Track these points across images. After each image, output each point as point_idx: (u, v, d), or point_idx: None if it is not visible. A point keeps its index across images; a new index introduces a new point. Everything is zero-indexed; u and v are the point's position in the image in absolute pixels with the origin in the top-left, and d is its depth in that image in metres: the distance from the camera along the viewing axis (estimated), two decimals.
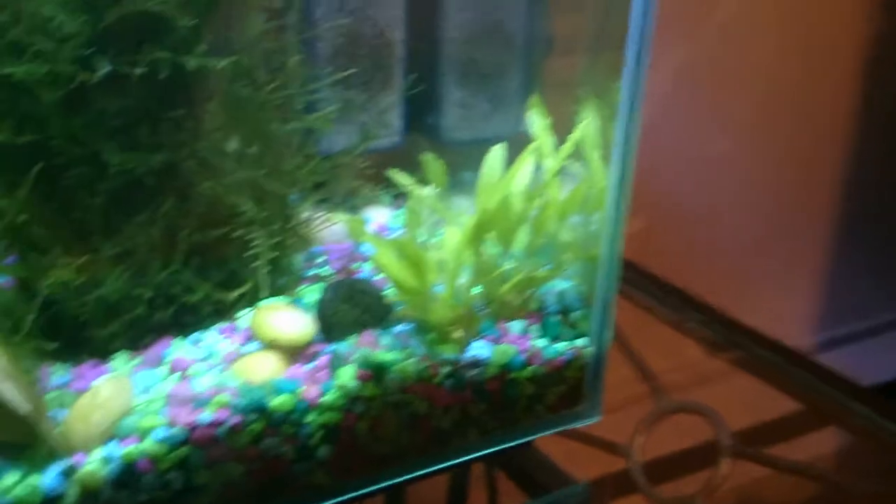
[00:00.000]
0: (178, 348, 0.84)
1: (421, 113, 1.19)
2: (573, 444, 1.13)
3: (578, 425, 0.98)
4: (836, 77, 2.22)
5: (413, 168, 0.98)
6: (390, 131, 1.15)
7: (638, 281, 1.37)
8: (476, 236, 0.87)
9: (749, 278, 2.33)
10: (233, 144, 0.83)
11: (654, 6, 0.86)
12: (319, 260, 1.01)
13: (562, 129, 1.02)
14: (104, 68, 0.74)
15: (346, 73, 0.99)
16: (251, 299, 0.87)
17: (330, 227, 1.02)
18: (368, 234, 0.84)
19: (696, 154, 2.11)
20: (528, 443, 1.01)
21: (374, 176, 1.05)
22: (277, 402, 0.79)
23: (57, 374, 0.81)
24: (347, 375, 0.82)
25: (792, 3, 2.08)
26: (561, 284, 0.99)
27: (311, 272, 0.96)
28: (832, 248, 2.50)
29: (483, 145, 1.20)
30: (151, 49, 0.77)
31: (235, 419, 0.77)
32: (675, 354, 1.33)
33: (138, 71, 0.77)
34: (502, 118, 1.21)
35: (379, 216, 1.16)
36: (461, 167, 1.21)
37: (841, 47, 2.20)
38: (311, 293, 0.92)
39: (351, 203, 1.10)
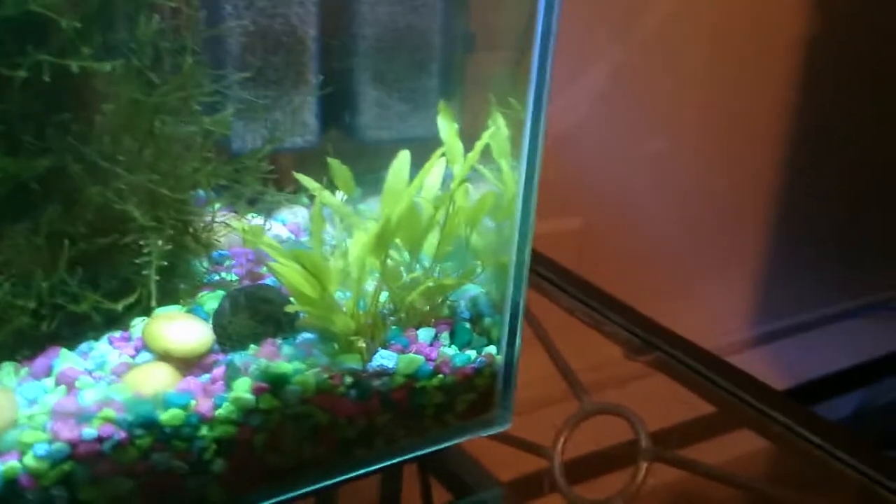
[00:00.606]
0: (67, 359, 0.80)
1: (338, 112, 1.16)
2: (496, 444, 1.12)
3: (489, 433, 0.97)
4: (770, 78, 2.24)
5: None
6: (306, 130, 1.12)
7: (562, 282, 1.36)
8: (381, 243, 0.85)
9: (686, 274, 2.35)
10: (124, 148, 0.80)
11: (558, 5, 0.85)
12: (225, 265, 0.98)
13: (482, 131, 1.01)
14: None
15: (244, 74, 0.95)
16: (146, 308, 0.84)
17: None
18: (265, 241, 0.82)
19: (633, 153, 2.12)
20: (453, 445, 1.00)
21: (289, 176, 1.02)
22: (167, 416, 0.76)
23: None
24: (243, 388, 0.80)
25: (727, 3, 2.09)
26: (473, 291, 0.98)
27: (215, 278, 0.93)
28: (766, 245, 2.54)
29: (402, 145, 1.19)
30: (34, 51, 0.73)
31: (122, 434, 0.75)
32: (596, 356, 1.33)
33: (20, 74, 0.73)
34: (421, 118, 1.19)
35: (296, 218, 1.13)
36: (379, 167, 1.19)
37: (775, 48, 2.22)
38: (212, 300, 0.89)
39: (265, 205, 1.07)
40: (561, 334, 1.34)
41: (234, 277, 0.94)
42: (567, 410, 1.27)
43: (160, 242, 0.80)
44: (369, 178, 1.23)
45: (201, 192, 0.94)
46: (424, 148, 1.18)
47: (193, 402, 0.78)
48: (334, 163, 0.92)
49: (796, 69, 2.27)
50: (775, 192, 2.46)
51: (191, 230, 0.88)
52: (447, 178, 0.95)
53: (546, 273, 1.37)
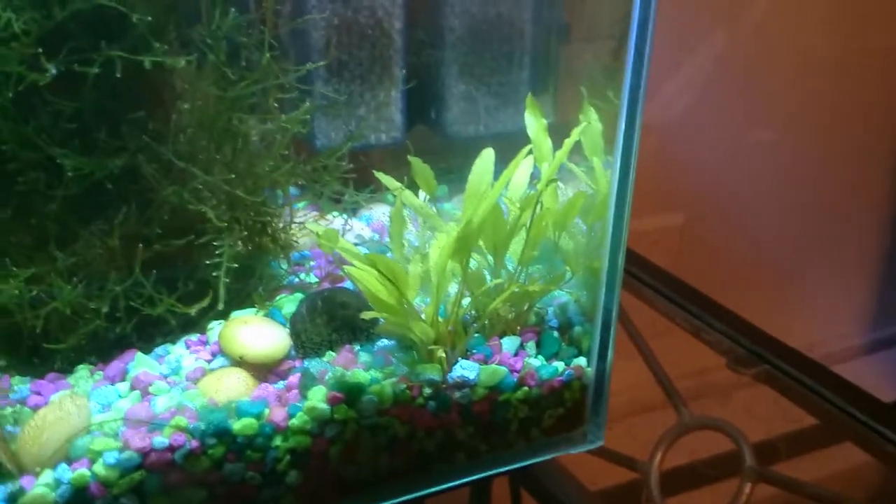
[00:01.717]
0: (142, 363, 0.79)
1: (424, 107, 1.12)
2: (589, 455, 1.06)
3: (578, 451, 0.91)
4: (887, 65, 2.09)
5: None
6: (391, 126, 1.08)
7: (660, 285, 1.29)
8: (463, 247, 0.80)
9: (794, 274, 2.23)
10: (200, 147, 0.77)
11: None
12: (305, 266, 0.95)
13: (576, 122, 0.95)
14: (52, 69, 0.69)
15: (324, 66, 0.92)
16: (223, 310, 0.81)
17: (326, 225, 0.96)
18: (340, 245, 0.78)
19: (737, 145, 2.01)
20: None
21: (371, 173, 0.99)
22: (240, 425, 0.73)
23: (17, 388, 0.77)
24: (318, 397, 0.76)
25: None
26: (562, 297, 0.92)
27: (294, 280, 0.91)
28: (883, 244, 2.38)
29: (491, 141, 1.14)
30: (107, 47, 0.71)
31: (194, 443, 0.72)
32: (696, 365, 1.25)
33: (93, 71, 0.71)
34: (511, 112, 1.13)
35: (380, 215, 1.10)
36: (467, 164, 1.15)
37: (890, 34, 2.07)
38: (290, 303, 0.86)
39: (350, 203, 1.04)
40: (658, 340, 1.27)
41: (314, 280, 0.91)
42: (664, 421, 1.20)
43: (236, 244, 0.77)
44: (456, 175, 1.19)
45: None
46: (514, 143, 1.13)
47: (267, 412, 0.75)
48: (416, 161, 0.87)
49: None
50: (893, 186, 2.30)
51: (269, 231, 0.85)
52: (534, 176, 0.90)
53: (643, 275, 1.30)
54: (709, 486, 1.17)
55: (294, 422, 0.75)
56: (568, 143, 0.80)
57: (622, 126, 0.80)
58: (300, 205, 0.93)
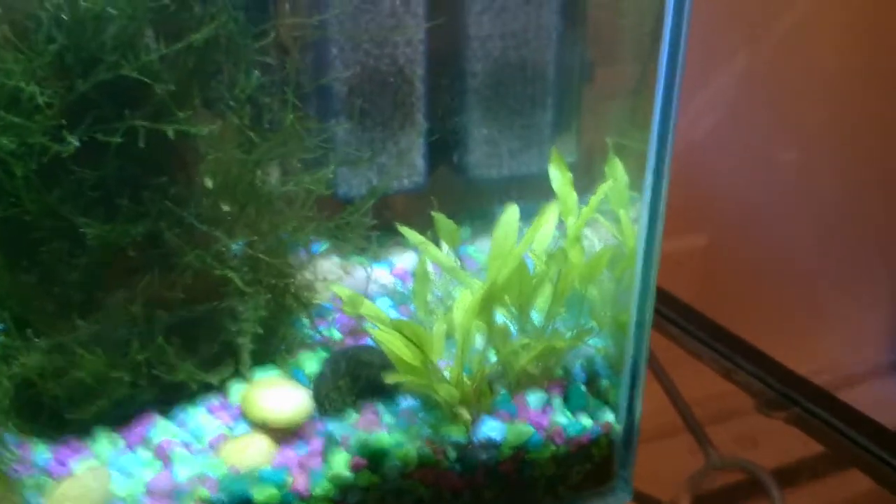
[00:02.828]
0: (163, 430, 0.78)
1: (446, 151, 1.11)
2: None
3: None
4: None
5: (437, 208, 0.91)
6: (413, 171, 1.07)
7: (687, 324, 1.27)
8: (487, 306, 0.79)
9: (821, 294, 2.20)
10: (223, 210, 0.77)
11: (685, 43, 0.76)
12: (329, 319, 0.94)
13: (601, 166, 0.94)
14: (74, 141, 0.68)
15: (347, 123, 0.91)
16: (245, 374, 0.80)
17: (348, 277, 0.95)
18: (367, 308, 0.77)
19: (764, 164, 1.99)
20: None
21: (396, 216, 0.98)
22: (262, 495, 0.73)
23: (38, 455, 0.77)
24: (341, 464, 0.75)
25: (864, 2, 1.93)
26: (589, 350, 0.91)
27: (317, 337, 0.90)
28: None
29: (512, 183, 1.13)
30: (130, 115, 0.71)
31: None
32: (725, 406, 1.23)
33: (116, 140, 0.71)
34: (534, 154, 1.12)
35: (403, 261, 1.09)
36: (489, 203, 1.14)
37: None
38: (312, 361, 0.85)
39: (371, 250, 1.03)
40: (685, 380, 1.25)
41: (338, 336, 0.90)
42: (691, 464, 1.18)
43: (259, 307, 0.76)
44: (479, 215, 1.18)
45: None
46: (537, 185, 1.12)
47: (290, 480, 0.74)
48: (440, 217, 0.86)
49: None
50: None
51: (291, 290, 0.84)
52: (560, 228, 0.89)
53: (670, 313, 1.28)
54: None
55: (317, 490, 0.74)
56: (594, 200, 0.79)
57: (649, 178, 0.79)
58: (322, 248, 0.92)
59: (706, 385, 1.25)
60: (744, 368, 1.18)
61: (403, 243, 1.05)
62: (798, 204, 2.05)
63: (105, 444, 0.77)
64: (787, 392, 1.12)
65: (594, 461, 0.87)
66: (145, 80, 0.70)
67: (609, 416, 0.87)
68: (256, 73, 0.77)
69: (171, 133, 0.71)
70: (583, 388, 0.88)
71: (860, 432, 1.06)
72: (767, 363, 1.17)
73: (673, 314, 1.28)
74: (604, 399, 0.88)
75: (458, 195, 1.14)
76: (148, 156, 0.74)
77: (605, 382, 0.89)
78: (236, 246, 0.79)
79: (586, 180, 0.92)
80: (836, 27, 1.93)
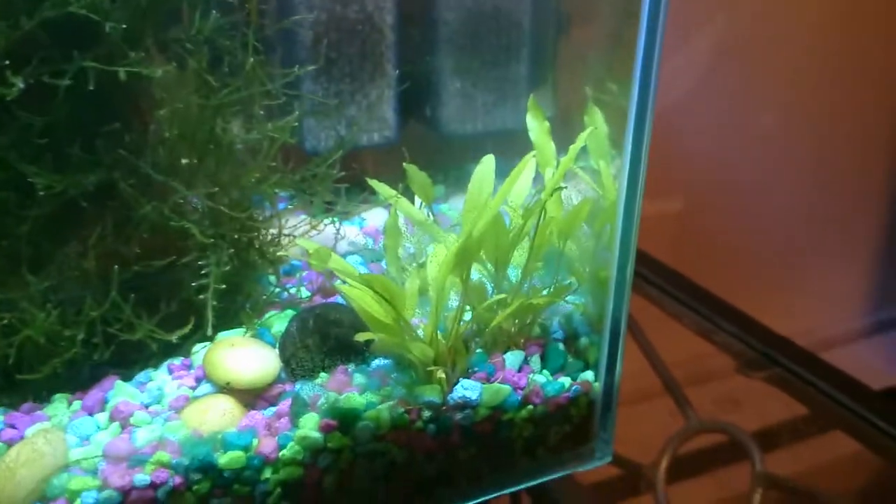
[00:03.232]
0: (122, 392, 0.74)
1: (418, 104, 1.07)
2: None
3: (586, 468, 0.87)
4: (887, 45, 2.04)
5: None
6: (384, 125, 1.03)
7: (667, 285, 1.24)
8: (462, 261, 0.75)
9: (796, 258, 2.19)
10: (181, 159, 0.72)
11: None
12: (297, 276, 0.90)
13: (579, 119, 0.90)
14: (19, 83, 0.63)
15: (312, 68, 0.86)
16: (207, 332, 0.76)
17: (317, 234, 0.91)
18: (335, 263, 0.73)
19: (737, 130, 1.97)
20: None
21: (367, 173, 0.93)
22: (227, 458, 0.69)
23: None
24: (310, 425, 0.72)
25: None
26: (567, 307, 0.88)
27: (284, 295, 0.86)
28: (883, 229, 2.35)
29: (488, 139, 1.08)
30: (79, 57, 0.66)
31: (177, 479, 0.68)
32: (705, 368, 1.21)
33: (64, 83, 0.66)
34: (510, 108, 1.08)
35: (373, 219, 1.05)
36: (463, 160, 1.10)
37: (892, 13, 2.02)
38: (279, 321, 0.81)
39: (339, 204, 0.99)
40: (664, 342, 1.22)
41: (306, 294, 0.86)
42: (670, 426, 1.16)
43: (221, 263, 0.72)
44: (453, 173, 1.14)
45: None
46: (513, 141, 1.08)
47: (255, 442, 0.70)
48: (411, 169, 0.82)
49: None
50: (891, 170, 2.26)
51: (256, 245, 0.80)
52: (537, 181, 0.85)
53: (649, 274, 1.25)
54: (719, 496, 1.13)
55: (285, 452, 0.71)
56: (573, 149, 0.75)
57: (631, 128, 0.75)
58: (289, 204, 0.88)
59: (686, 346, 1.22)
60: (724, 329, 1.15)
61: (374, 201, 1.01)
62: (774, 168, 2.03)
63: (61, 408, 0.73)
64: (768, 352, 1.10)
65: (573, 422, 0.84)
66: (95, 17, 0.65)
67: (588, 376, 0.84)
68: (215, 13, 0.72)
69: (122, 75, 0.66)
70: (561, 346, 0.85)
71: (843, 393, 1.04)
72: (748, 323, 1.15)
73: (651, 274, 1.25)
74: (583, 358, 0.85)
75: (430, 151, 1.10)
76: (100, 101, 0.70)
77: (584, 341, 0.86)
78: (196, 198, 0.74)
79: (563, 136, 0.89)
80: None
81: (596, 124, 0.81)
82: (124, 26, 0.67)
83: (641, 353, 1.21)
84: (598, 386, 0.84)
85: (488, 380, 0.79)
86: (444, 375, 0.76)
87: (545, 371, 0.83)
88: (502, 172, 0.83)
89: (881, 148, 2.21)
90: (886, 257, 2.37)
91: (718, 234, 1.97)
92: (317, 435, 0.72)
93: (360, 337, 0.72)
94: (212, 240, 0.72)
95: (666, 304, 1.24)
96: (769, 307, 1.31)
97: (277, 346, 0.78)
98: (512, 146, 0.97)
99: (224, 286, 0.73)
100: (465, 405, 0.77)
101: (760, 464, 1.06)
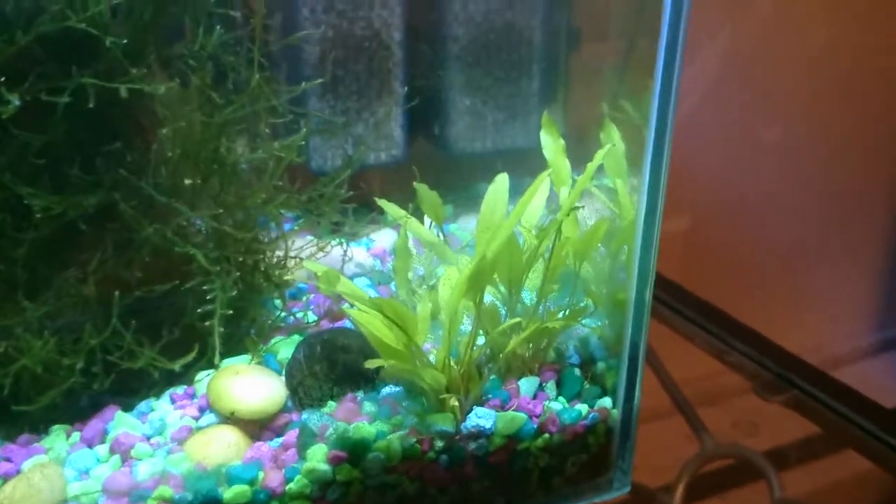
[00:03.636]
0: (122, 423, 0.71)
1: (426, 123, 1.04)
2: None
3: (604, 499, 0.84)
4: (894, 59, 2.02)
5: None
6: (391, 144, 1.01)
7: (679, 304, 1.22)
8: (475, 284, 0.72)
9: (803, 274, 2.17)
10: (184, 180, 0.70)
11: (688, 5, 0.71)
12: (304, 300, 0.87)
13: (593, 136, 0.88)
14: (14, 100, 0.61)
15: (318, 83, 0.84)
16: (211, 359, 0.73)
17: (324, 256, 0.88)
18: (344, 285, 0.70)
19: (743, 145, 1.95)
20: None
21: (375, 192, 0.91)
22: (231, 493, 0.66)
23: None
24: (318, 457, 0.69)
25: None
26: (583, 331, 0.85)
27: (290, 320, 0.83)
28: (891, 244, 2.32)
29: (498, 157, 1.06)
30: (78, 73, 0.64)
31: None
32: (719, 389, 1.17)
33: (63, 100, 0.63)
34: (520, 126, 1.06)
35: (382, 240, 1.02)
36: (473, 179, 1.07)
37: None
38: (286, 347, 0.79)
39: (347, 224, 0.96)
40: (676, 363, 1.19)
41: (312, 318, 0.84)
42: (685, 450, 1.12)
43: (227, 287, 0.69)
44: (462, 192, 1.11)
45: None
46: (523, 160, 1.05)
47: (261, 475, 0.67)
48: (422, 188, 0.80)
49: None
50: None
51: (262, 268, 0.77)
52: (551, 200, 0.82)
53: (660, 293, 1.22)
54: None
55: (292, 486, 0.68)
56: (591, 167, 0.72)
57: (650, 145, 0.73)
58: (295, 225, 0.85)
59: (698, 367, 1.19)
60: (737, 349, 1.12)
61: (382, 221, 0.99)
62: (781, 185, 2.01)
63: (59, 440, 0.70)
64: (782, 373, 1.07)
65: (590, 451, 0.81)
66: (94, 32, 0.63)
67: (606, 402, 0.81)
68: (218, 28, 0.70)
69: (123, 92, 0.64)
70: (577, 371, 0.82)
71: (858, 413, 1.01)
72: (761, 343, 1.12)
73: (662, 294, 1.23)
74: (600, 384, 0.82)
75: (439, 170, 1.08)
76: (100, 119, 0.67)
77: (601, 366, 0.83)
78: (200, 220, 0.72)
79: (575, 154, 0.86)
80: (821, 5, 1.89)
81: (613, 141, 0.78)
82: (125, 41, 0.64)
83: (653, 374, 1.18)
84: (616, 413, 0.81)
85: (503, 407, 0.76)
86: (457, 403, 0.73)
87: (561, 398, 0.80)
88: (513, 192, 0.80)
89: (888, 163, 2.19)
90: (894, 275, 2.34)
91: (726, 251, 1.94)
92: (325, 467, 0.69)
93: (370, 363, 0.69)
94: (216, 264, 0.69)
95: (678, 324, 1.21)
96: (778, 324, 1.28)
97: (284, 373, 0.75)
98: (522, 165, 0.95)
99: (229, 311, 0.70)
100: (479, 434, 0.74)
101: (779, 490, 1.03)
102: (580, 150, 0.86)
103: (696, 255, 1.87)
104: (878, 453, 1.05)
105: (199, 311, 0.70)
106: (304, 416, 0.72)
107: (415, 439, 0.72)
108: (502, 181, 0.75)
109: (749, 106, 1.88)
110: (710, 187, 1.89)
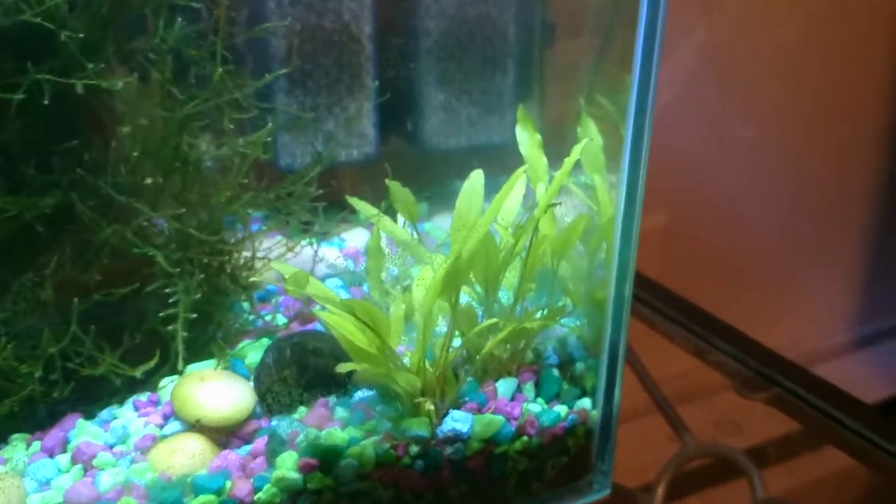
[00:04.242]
0: (84, 431, 0.68)
1: (399, 119, 1.02)
2: None
3: (585, 502, 0.82)
4: (873, 58, 2.02)
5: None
6: (363, 141, 0.98)
7: (658, 302, 1.20)
8: (451, 284, 0.70)
9: (781, 271, 2.17)
10: (145, 178, 0.67)
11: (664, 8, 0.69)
12: (272, 303, 0.85)
13: (570, 132, 0.86)
14: None
15: (277, 74, 0.81)
16: (175, 365, 0.70)
17: (293, 257, 0.86)
18: (313, 288, 0.68)
19: (723, 141, 1.94)
20: None
21: (346, 191, 0.88)
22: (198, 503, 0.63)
23: None
24: (288, 465, 0.66)
25: None
26: (561, 331, 0.83)
27: (258, 322, 0.80)
28: (869, 239, 2.33)
29: (472, 154, 1.04)
30: (34, 69, 0.61)
31: None
32: (700, 388, 1.16)
33: (17, 97, 0.60)
34: (494, 122, 1.03)
35: (354, 240, 1.00)
36: (447, 177, 1.05)
37: (878, 25, 2.01)
38: (254, 351, 0.76)
39: (317, 223, 0.93)
40: (656, 361, 1.18)
41: (282, 321, 0.81)
42: (666, 450, 1.11)
43: (190, 290, 0.67)
44: (436, 189, 1.08)
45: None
46: (499, 156, 1.03)
47: (229, 485, 0.65)
48: (394, 186, 0.77)
49: None
50: (880, 181, 2.24)
51: (228, 270, 0.75)
52: (528, 197, 0.80)
53: (638, 291, 1.21)
54: None
55: (260, 496, 0.65)
56: (568, 161, 0.70)
57: (629, 139, 0.71)
58: (263, 226, 0.83)
59: (679, 365, 1.18)
60: (718, 347, 1.11)
61: (354, 221, 0.96)
62: (757, 182, 2.01)
63: (18, 449, 0.68)
64: (764, 371, 1.06)
65: (570, 453, 0.79)
66: (50, 27, 0.60)
67: (585, 403, 0.79)
68: (180, 20, 0.67)
69: (80, 88, 0.61)
70: (556, 372, 0.80)
71: (838, 409, 1.00)
72: (741, 341, 1.10)
73: (640, 291, 1.21)
74: (579, 385, 0.80)
75: (412, 167, 1.05)
76: (56, 116, 0.64)
77: (580, 366, 0.81)
78: (162, 221, 0.69)
79: (550, 150, 0.84)
80: (793, 2, 1.89)
81: (590, 136, 0.76)
82: (82, 35, 0.61)
83: (633, 373, 1.16)
84: (595, 414, 0.79)
85: (480, 410, 0.74)
86: (432, 407, 0.71)
87: (539, 399, 0.78)
88: (488, 190, 0.78)
89: (865, 161, 2.20)
90: (870, 271, 2.35)
91: (702, 248, 1.94)
92: (295, 475, 0.66)
93: (342, 367, 0.67)
94: (179, 266, 0.66)
95: (657, 322, 1.20)
96: (754, 321, 1.27)
97: (252, 378, 0.72)
98: (498, 162, 0.92)
99: (193, 315, 0.67)
100: (455, 438, 0.72)
101: (761, 489, 1.02)
102: (557, 146, 0.84)
103: (673, 252, 1.86)
104: (860, 450, 1.04)
105: (161, 315, 0.67)
106: (274, 422, 0.70)
107: (389, 445, 0.69)
108: (477, 177, 0.73)
109: (725, 102, 1.88)
110: (688, 185, 1.88)
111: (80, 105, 0.66)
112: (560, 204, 0.74)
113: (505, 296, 0.78)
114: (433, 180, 1.07)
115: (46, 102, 0.61)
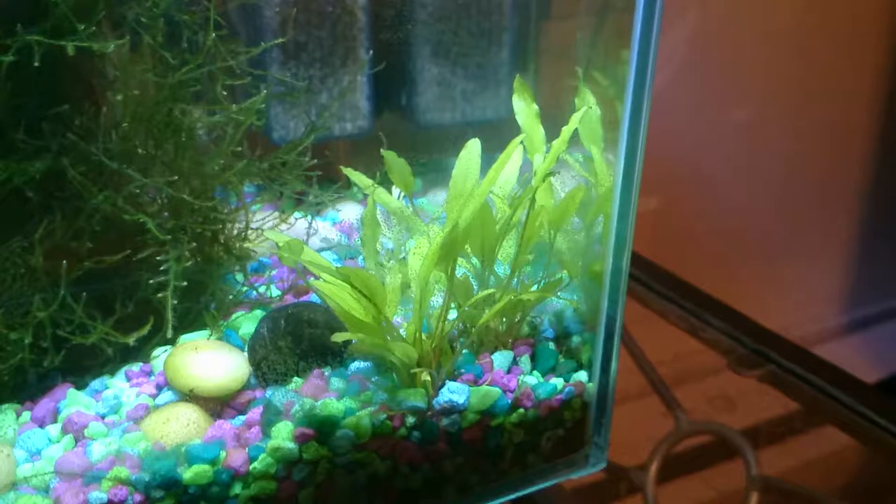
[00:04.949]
0: (75, 401, 0.67)
1: (393, 92, 1.01)
2: None
3: (580, 475, 0.82)
4: (867, 42, 2.02)
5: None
6: (357, 115, 0.97)
7: (652, 280, 1.19)
8: (447, 254, 0.69)
9: (773, 255, 2.17)
10: (137, 144, 0.66)
11: None
12: (266, 275, 0.84)
13: (566, 106, 0.85)
14: None
15: (271, 44, 0.80)
16: (167, 334, 0.69)
17: (287, 229, 0.85)
18: (307, 256, 0.67)
19: (716, 124, 1.94)
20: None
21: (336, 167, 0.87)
22: (191, 473, 0.62)
23: None
24: (283, 434, 0.65)
25: None
26: (557, 304, 0.82)
27: (252, 294, 0.79)
28: (862, 224, 2.33)
29: (468, 129, 1.03)
30: (24, 31, 0.59)
31: (137, 497, 0.61)
32: (693, 365, 1.16)
33: (7, 59, 0.59)
34: (490, 97, 1.03)
35: (349, 212, 0.99)
36: (442, 152, 1.04)
37: (871, 9, 2.00)
38: (248, 322, 0.75)
39: (311, 193, 0.92)
40: (650, 340, 1.17)
41: (276, 293, 0.80)
42: (660, 428, 1.11)
43: (182, 258, 0.66)
44: (431, 165, 1.07)
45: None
46: (494, 131, 1.02)
47: (223, 455, 0.64)
48: (390, 156, 0.76)
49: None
50: (873, 166, 2.24)
51: (221, 240, 0.74)
52: (524, 168, 0.80)
53: (633, 270, 1.20)
54: (713, 499, 1.08)
55: (256, 465, 0.64)
56: (566, 131, 0.69)
57: (628, 110, 0.70)
58: (256, 206, 0.82)
59: (674, 343, 1.18)
60: (712, 325, 1.10)
61: (348, 195, 0.95)
62: (750, 166, 2.00)
63: (8, 419, 0.67)
64: (759, 349, 1.05)
65: (566, 426, 0.79)
66: None
67: (581, 376, 0.78)
68: None
69: (71, 50, 0.60)
70: (552, 345, 0.80)
71: (836, 387, 1.00)
72: (736, 319, 1.10)
73: (635, 271, 1.21)
74: (575, 358, 0.80)
75: (406, 142, 1.04)
76: (47, 80, 0.63)
77: (576, 339, 0.80)
78: (154, 188, 0.68)
79: (548, 127, 0.83)
80: None
81: (589, 105, 0.76)
82: None
83: (627, 351, 1.16)
84: (592, 387, 0.79)
85: (476, 382, 0.74)
86: (428, 378, 0.70)
87: (535, 372, 0.78)
88: (484, 165, 0.77)
89: (857, 144, 2.20)
90: (862, 255, 2.35)
91: (694, 231, 1.94)
92: (291, 445, 0.65)
93: (337, 337, 0.66)
94: (170, 234, 0.65)
95: (651, 300, 1.19)
96: (747, 304, 1.27)
97: (246, 349, 0.71)
98: (494, 136, 0.92)
99: (186, 284, 0.67)
100: (451, 410, 0.71)
101: (755, 466, 1.02)
102: (551, 121, 0.84)
103: (666, 235, 1.86)
104: (857, 428, 1.04)
105: (152, 283, 0.66)
106: (269, 392, 0.69)
107: (385, 416, 0.69)
108: (474, 146, 0.72)
109: (717, 86, 1.87)
110: (680, 168, 1.88)
111: (71, 69, 0.65)
112: (558, 173, 0.73)
113: (501, 268, 0.77)
114: (427, 155, 1.06)
115: (37, 65, 0.60)
